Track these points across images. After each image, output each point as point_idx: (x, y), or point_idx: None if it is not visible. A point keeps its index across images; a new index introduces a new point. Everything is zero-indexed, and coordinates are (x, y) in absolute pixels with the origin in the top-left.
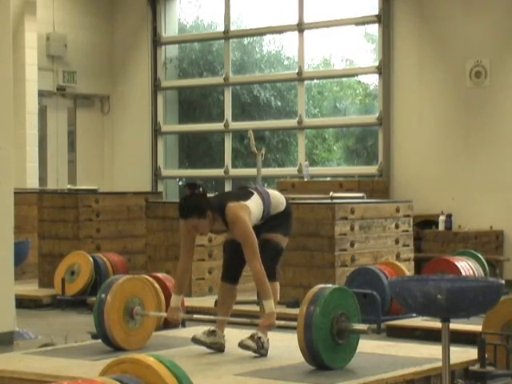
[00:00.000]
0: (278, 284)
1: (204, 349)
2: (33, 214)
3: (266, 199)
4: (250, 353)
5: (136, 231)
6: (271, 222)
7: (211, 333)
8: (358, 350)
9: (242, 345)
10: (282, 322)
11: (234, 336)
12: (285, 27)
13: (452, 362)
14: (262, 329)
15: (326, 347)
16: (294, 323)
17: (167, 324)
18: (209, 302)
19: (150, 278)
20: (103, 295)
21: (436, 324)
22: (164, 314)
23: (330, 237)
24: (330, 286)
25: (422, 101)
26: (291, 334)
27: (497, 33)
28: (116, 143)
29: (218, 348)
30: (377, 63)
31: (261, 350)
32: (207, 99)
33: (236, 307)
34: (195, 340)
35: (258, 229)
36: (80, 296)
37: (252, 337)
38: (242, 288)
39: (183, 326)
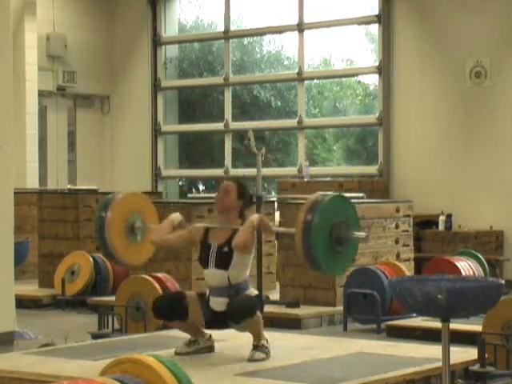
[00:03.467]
0: (259, 316)
1: None
2: (33, 214)
3: None
4: (250, 353)
5: None
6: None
7: (193, 342)
8: (357, 350)
9: (253, 360)
10: (282, 229)
11: (233, 336)
12: (285, 27)
13: (452, 362)
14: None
15: (325, 253)
16: (293, 230)
17: (167, 324)
18: None
19: (150, 278)
20: (103, 213)
21: (436, 324)
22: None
23: None
24: (329, 193)
25: (422, 101)
26: (291, 334)
27: (497, 33)
28: (116, 143)
29: (206, 351)
30: (377, 63)
31: (268, 353)
32: (207, 99)
33: None
34: (178, 354)
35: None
36: (80, 296)
37: (256, 347)
38: None
39: None
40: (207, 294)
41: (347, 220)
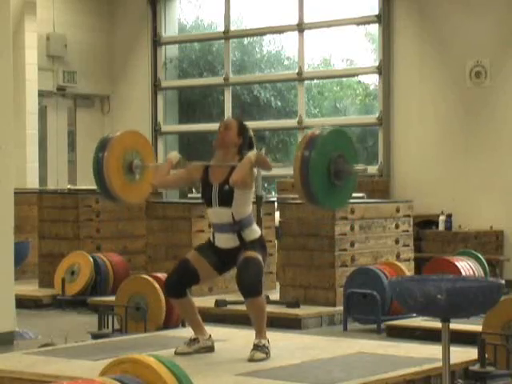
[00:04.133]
0: (263, 299)
1: None
2: (33, 214)
3: None
4: (250, 352)
5: (136, 231)
6: (249, 246)
7: (193, 341)
8: (357, 350)
9: (253, 360)
10: (280, 164)
11: (234, 336)
12: (285, 27)
13: (452, 361)
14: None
15: (323, 188)
16: (291, 167)
17: (167, 324)
18: (209, 302)
19: (150, 278)
20: (101, 152)
21: (436, 324)
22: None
23: (330, 237)
24: (327, 127)
25: (422, 101)
26: (291, 334)
27: (497, 33)
28: None
29: (206, 351)
30: (377, 63)
31: (268, 354)
32: (207, 99)
33: (232, 307)
34: (179, 353)
35: (233, 260)
36: (80, 296)
37: (257, 347)
38: (235, 289)
39: (183, 326)
40: (211, 234)
41: (345, 154)
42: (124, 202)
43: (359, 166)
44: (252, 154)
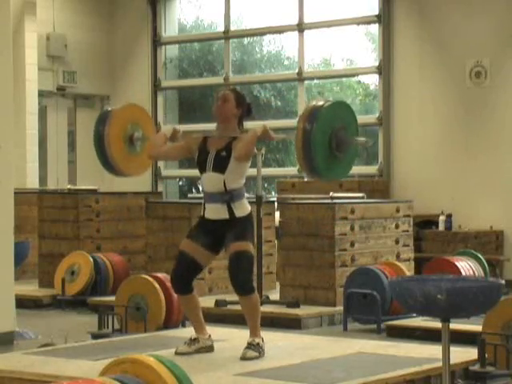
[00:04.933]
0: (257, 297)
1: None
2: (33, 214)
3: None
4: (243, 351)
5: (136, 231)
6: (239, 228)
7: (193, 341)
8: (357, 350)
9: (245, 358)
10: (281, 136)
11: (233, 336)
12: (285, 27)
13: (452, 361)
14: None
15: (325, 160)
16: (293, 137)
17: (167, 324)
18: (209, 301)
19: (150, 278)
20: (101, 127)
21: (436, 324)
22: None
23: (330, 237)
24: (329, 100)
25: (422, 101)
26: (291, 334)
27: (497, 33)
28: None
29: (207, 351)
30: (377, 63)
31: (262, 352)
32: (207, 99)
33: (232, 307)
34: (179, 353)
35: (223, 236)
36: (80, 296)
37: (250, 346)
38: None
39: (183, 326)
40: (202, 206)
41: (346, 126)
42: (125, 174)
43: (360, 138)
44: (258, 128)
